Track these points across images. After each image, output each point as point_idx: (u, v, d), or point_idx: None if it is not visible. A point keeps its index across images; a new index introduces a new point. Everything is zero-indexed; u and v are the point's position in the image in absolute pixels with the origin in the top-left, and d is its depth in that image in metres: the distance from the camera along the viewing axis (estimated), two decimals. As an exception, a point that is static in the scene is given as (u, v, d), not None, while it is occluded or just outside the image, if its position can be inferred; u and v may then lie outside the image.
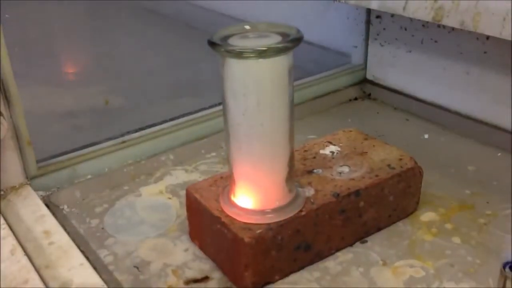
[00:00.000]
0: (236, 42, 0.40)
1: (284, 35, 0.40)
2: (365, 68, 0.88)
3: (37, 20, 1.41)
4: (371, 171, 0.51)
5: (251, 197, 0.44)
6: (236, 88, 0.40)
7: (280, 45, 0.39)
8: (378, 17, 0.83)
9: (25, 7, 1.37)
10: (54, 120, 0.85)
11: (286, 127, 0.42)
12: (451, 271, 0.47)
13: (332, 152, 0.55)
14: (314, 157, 0.54)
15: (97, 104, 0.90)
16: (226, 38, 0.41)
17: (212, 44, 0.40)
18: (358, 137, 0.58)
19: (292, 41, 0.39)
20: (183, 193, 0.51)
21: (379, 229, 0.52)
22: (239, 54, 0.39)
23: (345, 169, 0.52)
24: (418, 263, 0.48)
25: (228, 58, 0.39)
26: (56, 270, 0.44)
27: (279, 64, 0.40)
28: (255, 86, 0.40)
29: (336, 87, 0.85)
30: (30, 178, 0.58)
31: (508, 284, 0.36)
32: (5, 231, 0.49)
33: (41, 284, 0.42)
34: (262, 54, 0.38)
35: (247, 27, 0.43)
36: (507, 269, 0.37)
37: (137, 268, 0.48)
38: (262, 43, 0.40)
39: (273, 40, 0.40)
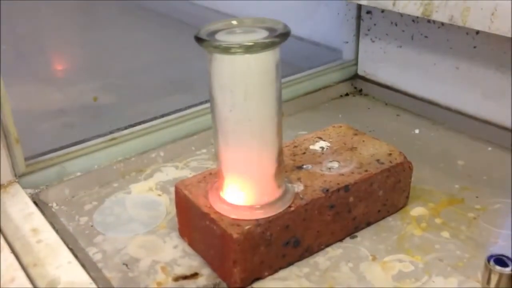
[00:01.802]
0: (223, 38, 0.40)
1: (271, 30, 0.40)
2: (356, 63, 0.88)
3: (27, 17, 1.40)
4: (360, 166, 0.51)
5: (240, 193, 0.44)
6: (223, 84, 0.40)
7: (267, 40, 0.39)
8: (368, 12, 0.83)
9: (14, 4, 1.36)
10: (44, 117, 0.85)
11: (274, 122, 0.42)
12: (440, 265, 0.47)
13: (322, 148, 0.55)
14: (304, 153, 0.54)
15: (87, 102, 0.90)
16: (213, 33, 0.40)
17: (198, 39, 0.39)
18: (348, 132, 0.58)
19: (279, 36, 0.39)
20: (173, 190, 0.51)
21: (369, 224, 0.52)
22: (225, 50, 0.38)
23: (335, 164, 0.51)
24: (407, 257, 0.48)
25: (215, 53, 0.39)
26: (44, 268, 0.44)
27: (266, 59, 0.40)
28: (242, 81, 0.40)
29: (327, 83, 0.85)
30: (18, 176, 0.57)
31: (492, 277, 0.37)
32: (-7, 229, 0.49)
33: (27, 283, 0.42)
34: (249, 49, 0.38)
35: (234, 22, 0.42)
36: (492, 262, 0.37)
37: (126, 265, 0.48)
38: (249, 38, 0.39)
39: (260, 35, 0.40)
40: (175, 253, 0.49)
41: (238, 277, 0.44)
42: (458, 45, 0.71)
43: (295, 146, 0.55)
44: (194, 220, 0.47)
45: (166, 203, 0.57)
